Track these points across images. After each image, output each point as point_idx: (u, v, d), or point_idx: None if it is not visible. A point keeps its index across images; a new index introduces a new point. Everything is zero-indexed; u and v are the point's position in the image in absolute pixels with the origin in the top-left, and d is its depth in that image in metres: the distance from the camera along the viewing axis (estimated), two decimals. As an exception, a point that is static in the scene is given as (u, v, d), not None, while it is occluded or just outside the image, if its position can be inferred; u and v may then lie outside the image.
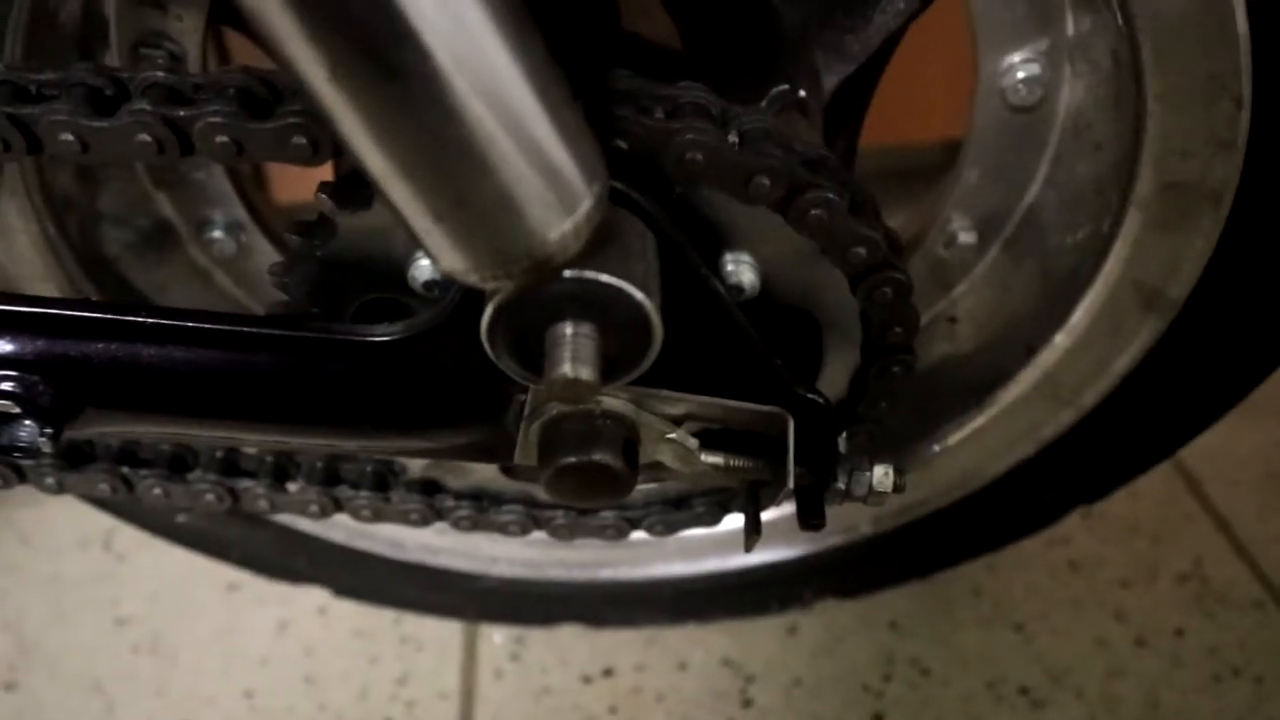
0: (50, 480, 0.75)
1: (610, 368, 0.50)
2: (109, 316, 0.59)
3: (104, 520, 1.05)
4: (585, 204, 0.44)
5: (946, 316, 0.89)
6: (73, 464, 0.77)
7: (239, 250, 0.87)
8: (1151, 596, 1.19)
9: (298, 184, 0.88)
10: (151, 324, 0.59)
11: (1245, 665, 1.11)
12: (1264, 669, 1.11)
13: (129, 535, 1.17)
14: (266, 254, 0.87)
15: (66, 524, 1.30)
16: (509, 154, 0.40)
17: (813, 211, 0.56)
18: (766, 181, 0.54)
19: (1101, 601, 1.18)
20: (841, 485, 0.65)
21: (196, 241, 0.86)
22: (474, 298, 0.53)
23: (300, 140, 0.52)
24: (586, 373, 0.47)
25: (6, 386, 0.59)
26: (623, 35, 0.82)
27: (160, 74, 0.53)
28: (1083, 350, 0.80)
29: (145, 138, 0.52)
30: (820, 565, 1.01)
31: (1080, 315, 0.79)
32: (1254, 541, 1.25)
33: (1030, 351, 0.83)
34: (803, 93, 0.75)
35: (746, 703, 1.10)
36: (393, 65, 0.36)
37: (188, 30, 0.75)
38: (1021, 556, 1.20)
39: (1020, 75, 0.78)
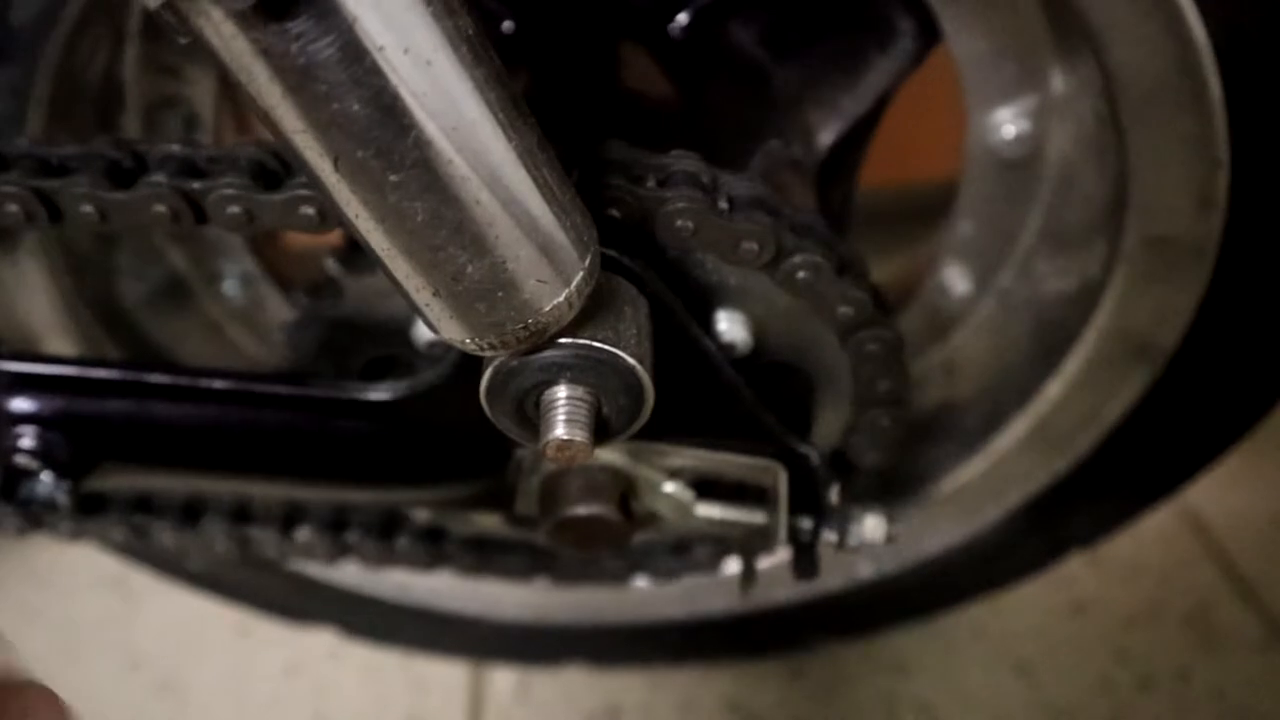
0: (66, 528, 0.77)
1: (604, 429, 0.51)
2: (125, 376, 0.61)
3: (117, 564, 1.07)
4: (579, 275, 0.46)
5: (943, 364, 0.91)
6: (88, 512, 0.79)
7: (250, 302, 0.89)
8: (1157, 637, 1.19)
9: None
10: (165, 383, 0.61)
11: (1252, 706, 1.11)
12: (1271, 710, 1.11)
13: (141, 578, 1.18)
14: (277, 306, 0.90)
15: (81, 567, 1.32)
16: (505, 233, 0.42)
17: (800, 274, 0.58)
18: (755, 246, 0.56)
19: (1106, 642, 1.19)
20: (834, 536, 0.66)
21: (209, 294, 0.88)
22: (474, 358, 0.55)
23: (308, 211, 0.54)
24: (580, 435, 0.49)
25: (26, 443, 0.61)
26: (621, 93, 0.84)
27: (176, 147, 0.56)
28: (1075, 398, 0.82)
29: (161, 208, 0.54)
30: (822, 608, 1.02)
31: (1072, 364, 0.80)
32: (1260, 582, 1.25)
33: (1025, 398, 0.84)
34: (797, 149, 0.78)
35: (751, 745, 1.10)
36: (395, 157, 0.39)
37: (202, 94, 0.78)
38: (1025, 598, 1.19)
39: (1010, 131, 0.80)
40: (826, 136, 0.79)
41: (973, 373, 0.90)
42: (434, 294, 0.44)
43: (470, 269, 0.42)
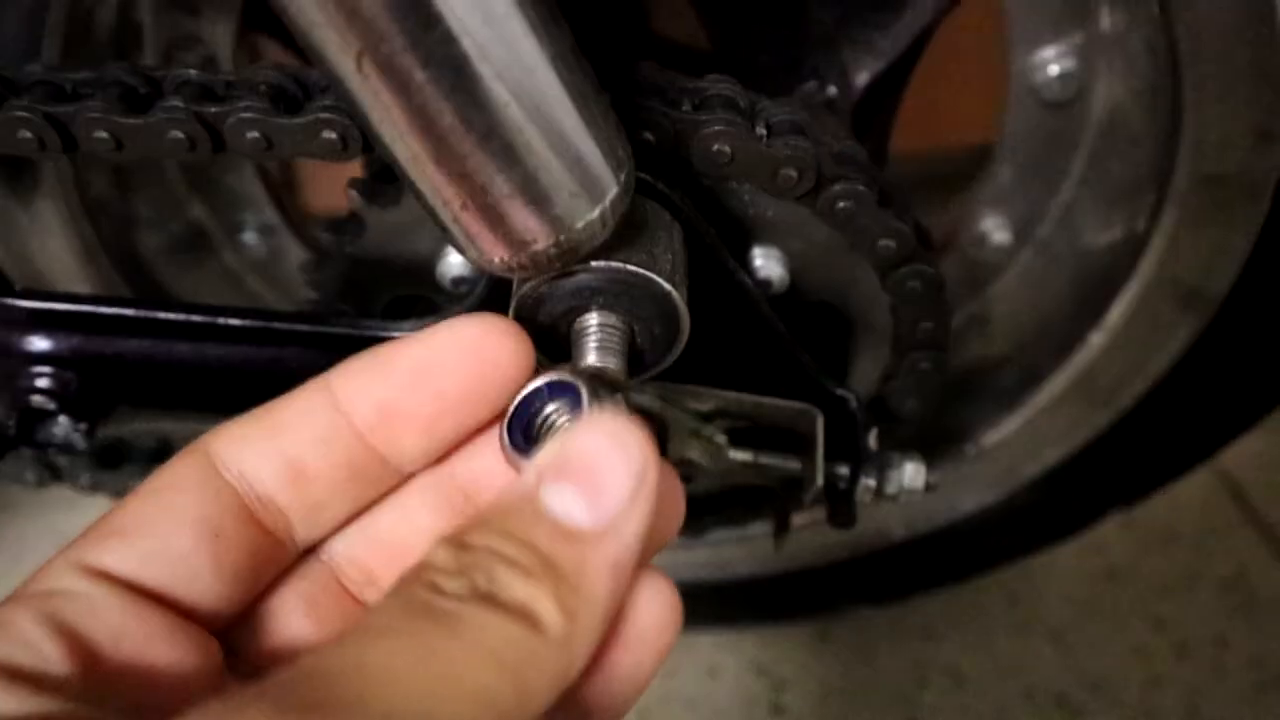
0: (85, 479, 0.76)
1: (637, 360, 0.49)
2: (142, 314, 0.59)
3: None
4: (612, 192, 0.43)
5: (980, 317, 0.88)
6: (106, 464, 0.77)
7: (270, 253, 0.88)
8: (1192, 604, 1.17)
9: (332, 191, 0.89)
10: (183, 321, 0.59)
11: (1290, 675, 1.09)
12: (1310, 678, 1.08)
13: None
14: (297, 257, 0.88)
15: (103, 528, 1.32)
16: (534, 141, 0.40)
17: (840, 204, 0.55)
18: (794, 174, 0.54)
19: (1141, 609, 1.16)
20: (872, 483, 0.64)
21: (229, 245, 0.87)
22: (500, 292, 0.53)
23: (330, 135, 0.52)
24: (613, 364, 0.47)
25: (42, 383, 0.60)
26: (652, 35, 0.82)
27: (193, 72, 0.54)
28: (1119, 350, 0.79)
29: (178, 134, 0.52)
30: (853, 571, 1.00)
31: (1116, 314, 0.77)
32: (1298, 549, 1.22)
33: (1066, 351, 0.82)
34: (832, 90, 0.75)
35: (778, 709, 1.09)
36: (420, 52, 0.37)
37: (220, 35, 0.77)
38: (1058, 563, 1.18)
39: (1054, 71, 0.77)
40: (863, 77, 0.76)
41: (1011, 326, 0.87)
42: (462, 207, 0.42)
43: (499, 179, 0.40)
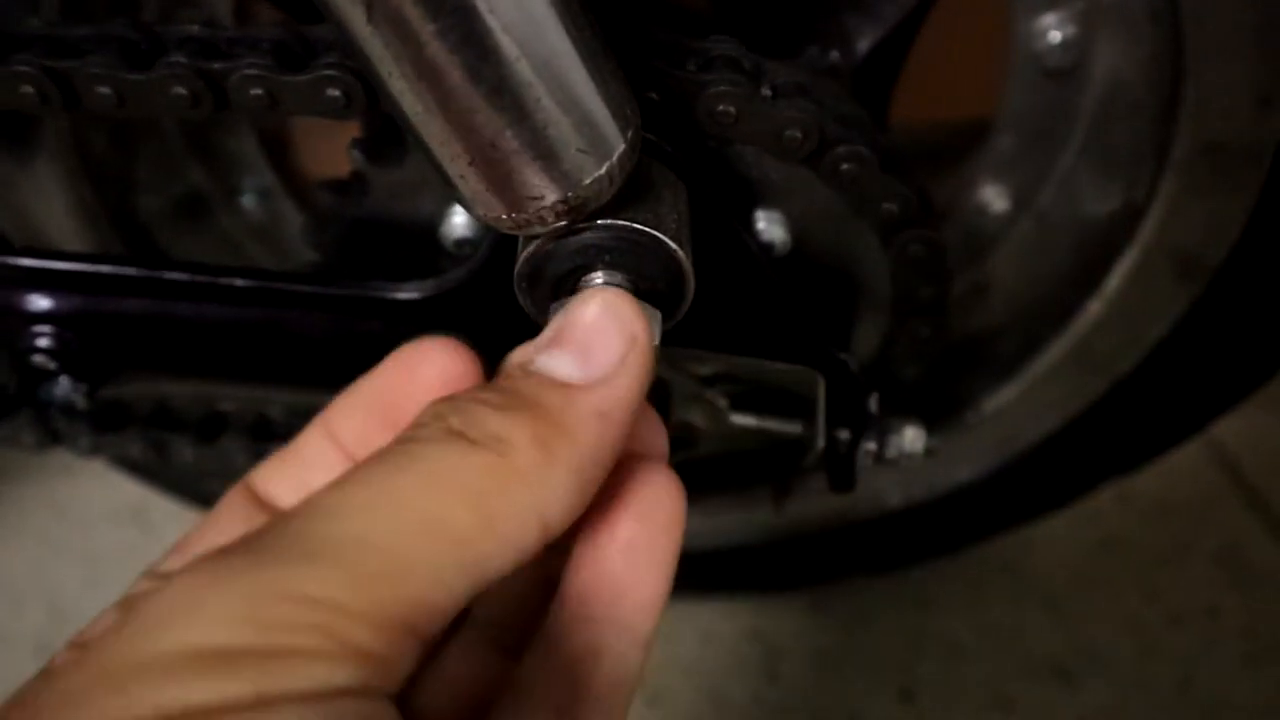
0: (84, 441, 0.76)
1: (642, 319, 0.49)
2: (143, 273, 0.59)
3: (136, 494, 1.06)
4: (619, 150, 0.43)
5: (978, 285, 0.88)
6: (106, 427, 0.77)
7: (269, 217, 0.87)
8: (1186, 575, 1.18)
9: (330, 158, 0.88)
10: (185, 281, 0.59)
11: (1281, 645, 1.10)
12: (1301, 648, 1.09)
13: (160, 509, 1.18)
14: (295, 222, 0.88)
15: (100, 497, 1.31)
16: (543, 96, 0.40)
17: (844, 167, 0.55)
18: (798, 135, 0.54)
19: (1134, 580, 1.17)
20: (872, 447, 0.64)
21: (227, 208, 0.87)
22: (503, 253, 0.53)
23: (334, 92, 0.52)
24: (619, 322, 0.47)
25: (43, 342, 0.60)
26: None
27: (195, 28, 0.54)
28: (1116, 318, 0.79)
29: (180, 90, 0.52)
30: (849, 539, 1.01)
31: (1114, 282, 0.78)
32: (1291, 521, 1.23)
33: (1063, 320, 0.82)
34: (834, 55, 0.75)
35: (773, 676, 1.09)
36: (430, 3, 0.37)
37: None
38: (1053, 534, 1.18)
39: (1055, 38, 0.77)
40: (864, 43, 0.76)
41: (1009, 294, 0.88)
42: (469, 163, 0.41)
43: (508, 133, 0.40)
